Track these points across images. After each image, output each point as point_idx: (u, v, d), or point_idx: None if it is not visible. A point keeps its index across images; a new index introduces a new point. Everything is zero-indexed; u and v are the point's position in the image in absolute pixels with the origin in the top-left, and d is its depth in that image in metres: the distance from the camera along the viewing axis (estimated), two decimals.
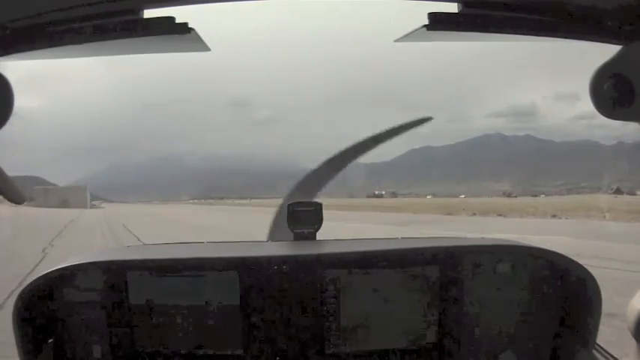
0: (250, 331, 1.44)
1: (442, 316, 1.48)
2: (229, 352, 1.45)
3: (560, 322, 1.50)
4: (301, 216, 1.66)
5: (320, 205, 1.68)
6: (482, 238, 1.80)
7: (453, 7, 0.71)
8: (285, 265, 1.44)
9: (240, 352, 1.45)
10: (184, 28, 0.69)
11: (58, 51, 0.74)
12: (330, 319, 1.46)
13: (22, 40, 0.70)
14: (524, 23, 0.72)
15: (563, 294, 1.49)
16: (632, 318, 0.80)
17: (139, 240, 14.38)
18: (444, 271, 1.47)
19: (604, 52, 0.70)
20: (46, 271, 1.39)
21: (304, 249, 1.56)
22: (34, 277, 1.38)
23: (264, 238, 2.11)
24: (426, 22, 0.70)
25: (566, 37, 0.74)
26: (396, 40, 0.79)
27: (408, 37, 0.75)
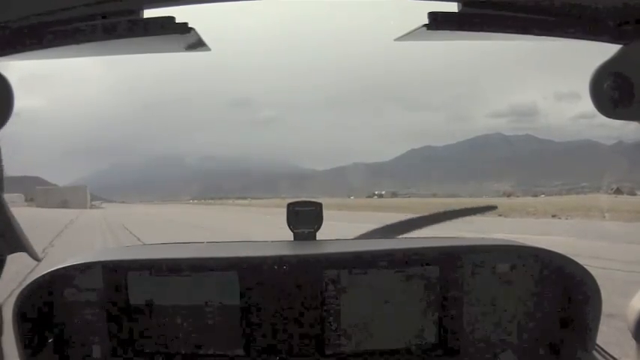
0: (250, 331, 1.44)
1: (442, 316, 1.48)
2: (229, 352, 1.45)
3: (560, 323, 1.50)
4: (301, 216, 1.66)
5: (320, 205, 1.68)
6: (483, 238, 1.80)
7: (452, 7, 0.71)
8: (285, 265, 1.44)
9: (240, 352, 1.45)
10: (184, 28, 0.69)
11: (58, 51, 0.74)
12: (330, 319, 1.46)
13: (22, 40, 0.70)
14: (524, 23, 0.72)
15: (563, 294, 1.49)
16: (632, 318, 0.80)
17: (139, 240, 14.39)
18: (444, 271, 1.47)
19: (604, 51, 0.70)
20: (46, 271, 1.39)
21: (304, 249, 1.56)
22: (34, 277, 1.38)
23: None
24: (426, 21, 0.70)
25: (566, 37, 0.74)
26: (396, 40, 0.79)
27: (408, 36, 0.75)
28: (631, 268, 7.76)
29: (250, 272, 1.43)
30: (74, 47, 0.72)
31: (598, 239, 12.74)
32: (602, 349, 1.39)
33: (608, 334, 1.79)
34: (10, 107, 0.68)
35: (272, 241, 1.77)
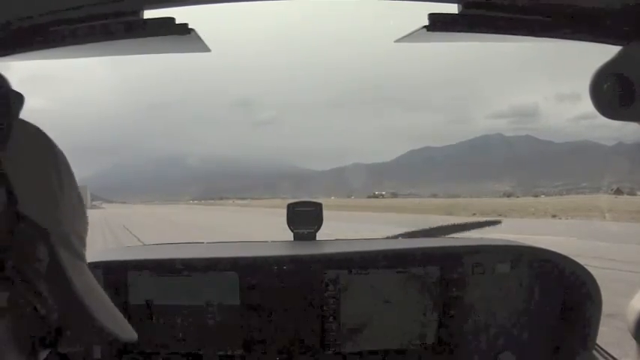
0: (250, 331, 1.44)
1: (442, 316, 1.48)
2: (229, 352, 1.45)
3: (560, 323, 1.50)
4: (301, 216, 1.66)
5: (320, 205, 1.68)
6: (482, 238, 1.80)
7: (453, 8, 0.71)
8: (285, 265, 1.44)
9: (240, 352, 1.45)
10: (185, 29, 0.69)
11: (58, 51, 0.74)
12: (330, 319, 1.46)
13: (22, 40, 0.70)
14: (525, 24, 0.72)
15: (563, 294, 1.49)
16: (632, 318, 0.80)
17: (139, 240, 14.40)
18: (444, 271, 1.47)
19: (604, 52, 0.70)
20: None
21: (304, 249, 1.56)
22: None
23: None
24: (426, 22, 0.70)
25: (566, 38, 0.74)
26: (397, 41, 0.80)
27: (409, 37, 0.75)
28: (631, 268, 7.76)
29: (250, 272, 1.43)
30: (75, 47, 0.72)
31: (598, 239, 12.74)
32: (602, 348, 1.39)
33: (608, 334, 1.78)
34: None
35: (272, 242, 1.77)
